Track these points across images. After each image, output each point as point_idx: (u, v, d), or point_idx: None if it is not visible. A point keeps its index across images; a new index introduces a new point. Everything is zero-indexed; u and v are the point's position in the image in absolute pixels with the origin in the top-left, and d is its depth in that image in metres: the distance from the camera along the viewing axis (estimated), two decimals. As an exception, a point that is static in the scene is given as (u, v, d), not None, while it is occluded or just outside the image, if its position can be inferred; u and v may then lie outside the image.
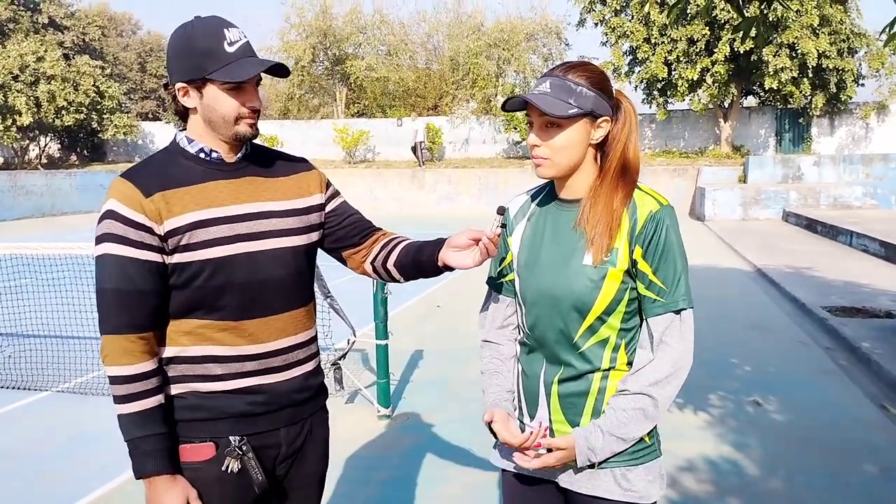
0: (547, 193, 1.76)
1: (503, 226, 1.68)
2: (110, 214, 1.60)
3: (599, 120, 1.61)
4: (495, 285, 1.81)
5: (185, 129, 1.72)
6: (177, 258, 1.61)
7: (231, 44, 1.62)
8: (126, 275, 1.58)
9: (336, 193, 1.90)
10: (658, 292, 1.59)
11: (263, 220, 1.69)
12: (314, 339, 1.85)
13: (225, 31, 1.62)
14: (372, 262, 1.88)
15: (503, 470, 1.80)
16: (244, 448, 1.68)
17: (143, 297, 1.59)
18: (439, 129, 26.05)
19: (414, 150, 25.14)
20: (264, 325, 1.70)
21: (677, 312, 1.59)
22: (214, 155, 1.69)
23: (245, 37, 1.66)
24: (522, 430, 1.70)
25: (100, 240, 1.61)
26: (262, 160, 1.77)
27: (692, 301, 1.61)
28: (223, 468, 1.66)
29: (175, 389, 1.67)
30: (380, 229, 1.94)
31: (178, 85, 1.64)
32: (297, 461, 1.81)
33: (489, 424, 1.72)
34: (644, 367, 1.60)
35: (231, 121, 1.65)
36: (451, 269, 1.76)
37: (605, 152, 1.65)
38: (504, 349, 1.80)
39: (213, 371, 1.67)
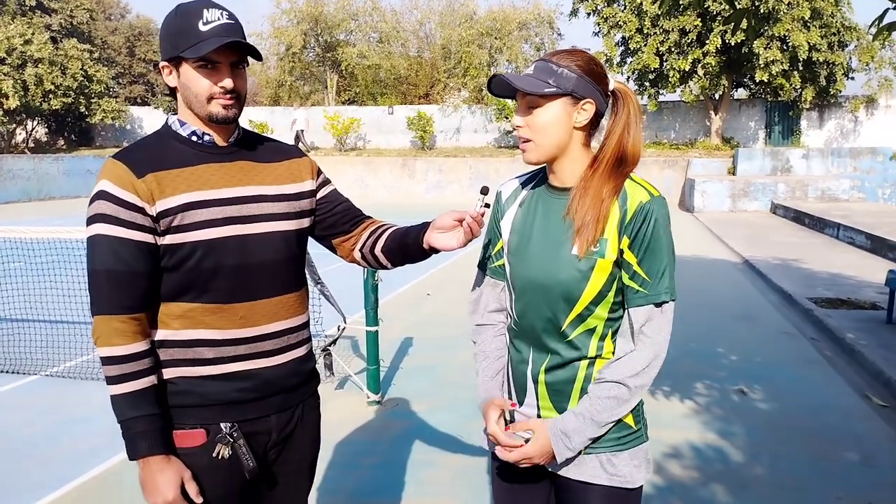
0: (539, 179, 1.76)
1: (487, 205, 1.69)
2: (102, 195, 1.59)
3: (582, 102, 1.60)
4: (487, 270, 1.81)
5: (177, 113, 1.72)
6: (168, 239, 1.61)
7: (207, 23, 1.61)
8: (118, 255, 1.58)
9: (327, 181, 1.91)
10: (641, 283, 1.59)
11: (254, 204, 1.70)
12: (306, 325, 1.86)
13: (204, 10, 1.62)
14: (360, 249, 1.89)
15: (493, 453, 1.82)
16: (235, 435, 1.68)
17: (135, 278, 1.60)
18: (430, 117, 25.97)
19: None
20: (255, 308, 1.70)
21: (659, 305, 1.60)
22: (207, 138, 1.69)
23: (225, 18, 1.63)
24: (513, 418, 1.72)
25: (91, 220, 1.60)
26: (253, 146, 1.78)
27: (675, 293, 1.62)
28: (214, 454, 1.67)
29: (165, 374, 1.67)
30: (369, 217, 1.95)
31: (162, 64, 1.67)
32: (287, 447, 1.82)
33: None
34: (623, 356, 1.62)
35: (203, 100, 1.64)
36: (436, 251, 1.77)
37: (603, 141, 1.65)
38: (498, 330, 1.81)
39: (203, 355, 1.67)
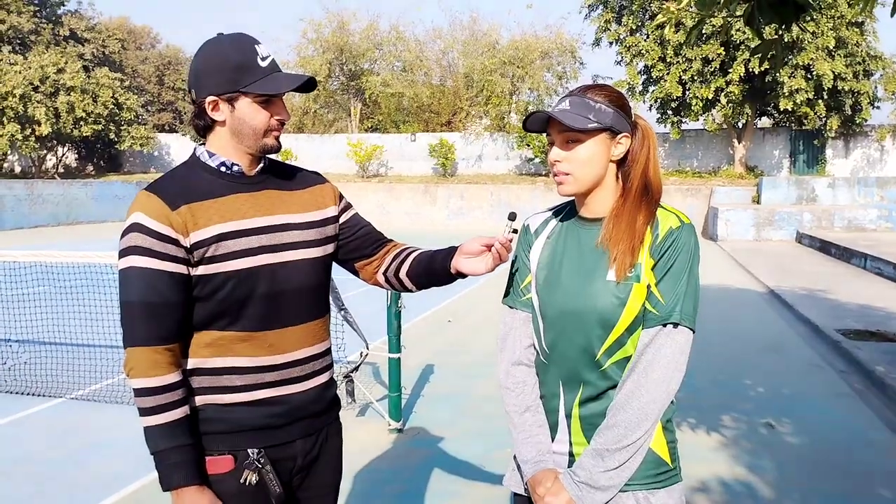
0: (568, 212, 1.77)
1: (515, 231, 1.71)
2: (136, 227, 1.61)
3: (619, 136, 1.63)
4: (517, 303, 1.78)
5: (204, 144, 1.74)
6: (202, 270, 1.63)
7: (263, 59, 1.67)
8: (153, 287, 1.59)
9: (349, 206, 1.93)
10: (655, 304, 1.58)
11: (284, 233, 1.71)
12: (329, 351, 1.87)
13: (256, 47, 1.68)
14: (384, 273, 1.90)
15: (515, 494, 1.77)
16: (262, 461, 1.68)
17: (170, 309, 1.61)
18: (452, 144, 26.16)
19: None
20: (284, 335, 1.71)
21: (667, 325, 1.57)
22: (236, 168, 1.71)
23: (270, 53, 1.71)
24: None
25: (125, 252, 1.61)
26: (279, 174, 1.80)
27: (692, 322, 1.58)
28: (242, 481, 1.67)
29: (195, 401, 1.68)
30: (391, 240, 1.96)
31: (209, 99, 1.66)
32: (311, 473, 1.82)
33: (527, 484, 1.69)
34: (620, 386, 1.59)
35: (261, 133, 1.69)
36: (463, 276, 1.78)
37: (627, 171, 1.67)
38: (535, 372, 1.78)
39: (233, 382, 1.68)
